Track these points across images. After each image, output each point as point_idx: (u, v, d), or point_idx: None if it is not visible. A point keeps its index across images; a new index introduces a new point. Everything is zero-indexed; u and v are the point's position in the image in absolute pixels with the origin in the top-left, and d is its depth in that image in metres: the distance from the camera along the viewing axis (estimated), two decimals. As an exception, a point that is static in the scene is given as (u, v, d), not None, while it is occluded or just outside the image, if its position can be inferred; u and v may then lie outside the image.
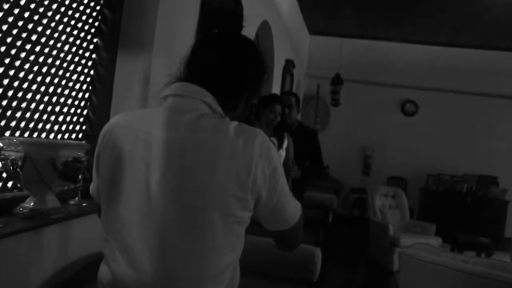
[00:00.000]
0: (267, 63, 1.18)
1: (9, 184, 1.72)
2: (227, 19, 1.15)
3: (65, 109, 1.99)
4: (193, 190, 0.96)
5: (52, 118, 1.90)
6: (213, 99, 1.06)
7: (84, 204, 1.90)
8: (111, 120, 1.11)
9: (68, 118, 2.02)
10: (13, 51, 1.63)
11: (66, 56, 1.94)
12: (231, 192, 0.95)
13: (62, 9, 1.88)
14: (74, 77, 2.02)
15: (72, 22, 1.96)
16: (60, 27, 1.88)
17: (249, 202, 0.98)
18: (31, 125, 1.78)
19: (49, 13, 1.80)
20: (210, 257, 0.97)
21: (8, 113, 1.65)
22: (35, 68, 1.76)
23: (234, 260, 1.02)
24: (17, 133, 1.71)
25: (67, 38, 1.93)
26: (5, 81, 1.61)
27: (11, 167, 1.52)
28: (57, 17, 1.85)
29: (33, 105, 1.77)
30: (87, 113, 2.16)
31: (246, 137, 0.98)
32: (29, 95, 1.74)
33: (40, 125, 1.83)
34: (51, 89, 1.87)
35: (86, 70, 2.11)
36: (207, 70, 1.09)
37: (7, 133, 1.66)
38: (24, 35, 1.68)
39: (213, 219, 0.95)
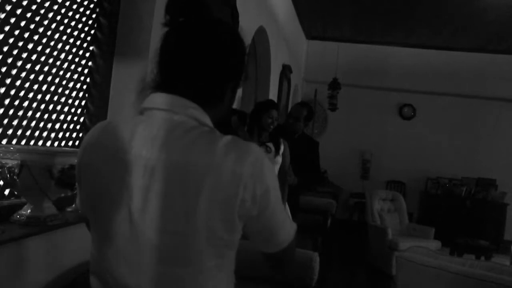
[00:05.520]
0: (245, 41, 1.04)
1: (6, 191, 1.72)
2: (191, 5, 0.99)
3: (62, 117, 2.00)
4: (176, 216, 0.88)
5: (49, 125, 1.91)
6: (197, 108, 0.95)
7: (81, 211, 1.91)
8: (91, 134, 1.01)
9: (65, 126, 2.03)
10: (9, 60, 1.65)
11: (62, 64, 1.96)
12: (217, 216, 0.88)
13: (58, 17, 1.89)
14: (71, 84, 2.04)
15: (68, 30, 1.97)
16: (56, 36, 1.90)
17: (237, 225, 0.90)
18: (28, 133, 1.79)
19: (45, 22, 1.82)
20: (198, 281, 0.91)
21: (5, 121, 1.66)
22: (32, 76, 1.77)
23: (223, 279, 0.96)
24: (14, 141, 1.72)
25: (63, 46, 1.95)
26: (2, 90, 1.63)
27: (8, 175, 1.53)
28: (53, 25, 1.87)
29: (29, 113, 1.78)
30: (84, 120, 2.17)
31: (237, 155, 0.89)
32: (25, 103, 1.76)
33: (37, 133, 1.84)
34: (47, 97, 1.88)
35: (82, 78, 2.12)
36: (183, 69, 0.97)
37: (4, 141, 1.67)
38: (20, 43, 1.69)
39: (199, 244, 0.89)
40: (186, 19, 0.99)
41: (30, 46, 1.75)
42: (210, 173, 0.87)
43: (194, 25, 0.98)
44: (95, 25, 2.17)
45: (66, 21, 1.95)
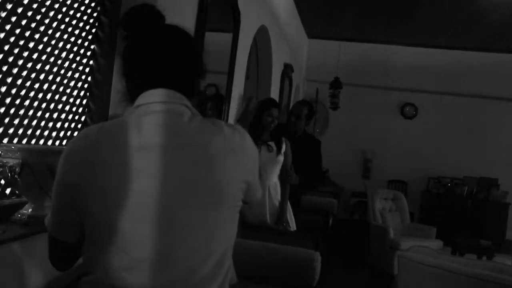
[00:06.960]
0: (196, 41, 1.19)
1: (7, 191, 1.72)
2: (149, 15, 1.09)
3: (63, 116, 2.00)
4: (205, 192, 0.98)
5: (50, 124, 1.91)
6: (187, 100, 1.07)
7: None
8: (84, 137, 1.03)
9: (66, 125, 2.03)
10: (10, 58, 1.65)
11: (63, 62, 1.95)
12: (237, 186, 1.03)
13: (59, 16, 1.89)
14: (72, 83, 2.03)
15: (70, 29, 1.97)
16: (58, 34, 1.89)
17: (244, 192, 1.07)
18: (29, 131, 1.79)
19: (46, 21, 1.82)
20: (219, 247, 1.01)
21: (6, 120, 1.66)
22: (33, 75, 1.77)
23: (232, 246, 1.08)
24: (15, 140, 1.72)
25: (64, 45, 1.95)
26: (3, 89, 1.62)
27: (9, 174, 1.53)
28: (55, 24, 1.87)
29: (31, 112, 1.78)
30: (85, 119, 2.17)
31: (239, 133, 1.07)
32: (27, 102, 1.76)
33: (38, 132, 1.84)
34: (49, 96, 1.88)
35: (83, 77, 2.12)
36: (159, 70, 1.06)
37: (5, 140, 1.67)
38: (21, 42, 1.69)
39: (224, 213, 1.01)
40: (145, 30, 1.07)
41: (31, 45, 1.75)
42: (227, 150, 1.02)
43: (156, 34, 1.08)
44: (96, 24, 2.17)
45: (67, 19, 1.94)
